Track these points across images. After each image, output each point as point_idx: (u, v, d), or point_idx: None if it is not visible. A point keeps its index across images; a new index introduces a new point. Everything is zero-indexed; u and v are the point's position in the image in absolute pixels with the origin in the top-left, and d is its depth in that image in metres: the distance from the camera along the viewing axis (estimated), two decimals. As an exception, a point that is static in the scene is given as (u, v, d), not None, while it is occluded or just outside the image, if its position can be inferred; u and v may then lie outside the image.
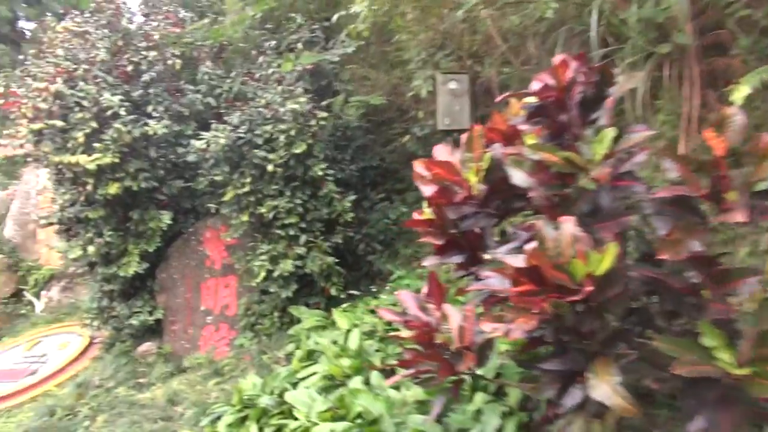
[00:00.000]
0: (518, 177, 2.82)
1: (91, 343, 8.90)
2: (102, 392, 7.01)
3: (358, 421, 4.25)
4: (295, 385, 5.46)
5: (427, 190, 3.38)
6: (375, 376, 4.99)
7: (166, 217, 7.55)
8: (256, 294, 7.54)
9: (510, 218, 3.47)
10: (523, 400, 3.62)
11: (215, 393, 6.24)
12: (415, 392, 4.28)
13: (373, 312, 6.92)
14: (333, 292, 7.12)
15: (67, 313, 10.49)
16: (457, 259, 3.45)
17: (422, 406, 4.19)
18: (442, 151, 3.41)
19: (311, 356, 5.91)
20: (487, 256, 3.07)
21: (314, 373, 5.42)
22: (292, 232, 7.02)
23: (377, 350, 5.53)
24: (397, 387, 4.78)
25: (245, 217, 7.11)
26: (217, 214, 7.86)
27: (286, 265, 6.91)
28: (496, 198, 3.21)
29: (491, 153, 3.18)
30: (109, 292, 7.97)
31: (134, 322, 7.69)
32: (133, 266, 7.45)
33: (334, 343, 5.91)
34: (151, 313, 7.83)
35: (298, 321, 7.11)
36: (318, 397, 4.89)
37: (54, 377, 8.16)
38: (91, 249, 7.54)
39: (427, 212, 3.48)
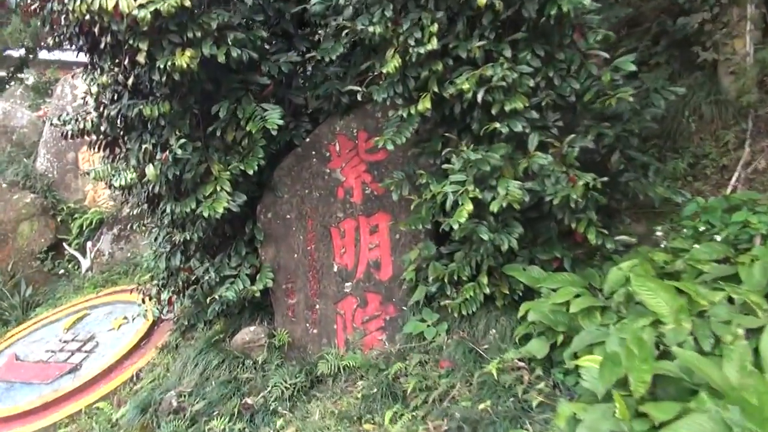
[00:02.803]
0: None
1: (158, 322, 5.87)
2: (183, 426, 3.91)
3: None
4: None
5: None
6: None
7: (275, 115, 4.28)
8: (430, 244, 4.28)
9: None
10: None
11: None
12: None
13: (668, 275, 3.61)
14: (591, 237, 3.77)
15: (122, 273, 7.55)
16: None
17: None
18: None
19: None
20: None
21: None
22: (518, 128, 3.68)
23: None
24: None
25: (423, 105, 3.80)
26: (355, 110, 4.59)
27: (512, 191, 3.59)
28: None
29: None
30: (184, 245, 4.84)
31: (228, 294, 4.52)
32: (222, 200, 4.27)
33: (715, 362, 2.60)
34: (252, 279, 4.67)
35: (528, 292, 3.86)
36: None
37: (103, 380, 5.17)
38: (150, 171, 4.37)
39: None
